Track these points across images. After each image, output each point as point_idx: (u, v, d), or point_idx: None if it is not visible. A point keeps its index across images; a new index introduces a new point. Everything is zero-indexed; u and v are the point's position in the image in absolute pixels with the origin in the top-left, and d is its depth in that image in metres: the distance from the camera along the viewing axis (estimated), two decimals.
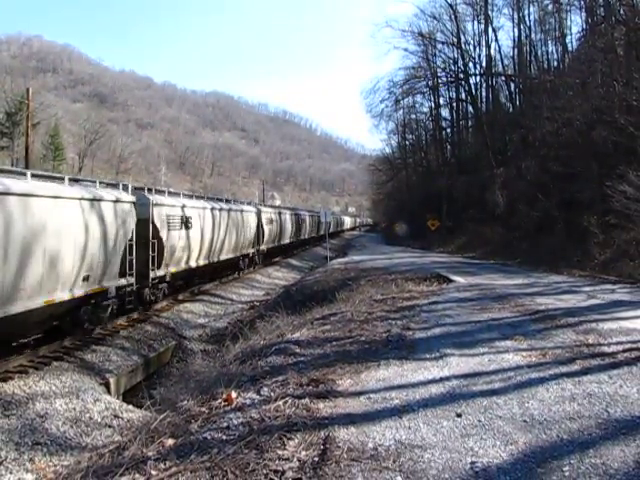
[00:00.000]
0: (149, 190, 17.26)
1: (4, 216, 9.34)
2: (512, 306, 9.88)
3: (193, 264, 19.44)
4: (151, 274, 15.92)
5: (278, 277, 29.19)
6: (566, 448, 3.84)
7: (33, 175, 10.94)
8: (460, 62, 43.87)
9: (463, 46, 42.48)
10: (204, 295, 20.65)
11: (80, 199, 11.95)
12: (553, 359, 6.16)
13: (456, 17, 41.56)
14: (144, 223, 15.37)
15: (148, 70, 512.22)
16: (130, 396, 11.26)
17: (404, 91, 48.11)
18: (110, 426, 8.79)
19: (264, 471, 3.63)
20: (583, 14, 31.95)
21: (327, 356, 6.79)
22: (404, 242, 42.48)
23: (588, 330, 7.56)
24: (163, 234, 16.49)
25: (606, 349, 6.54)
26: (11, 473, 6.88)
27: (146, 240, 15.60)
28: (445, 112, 51.64)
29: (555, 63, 36.65)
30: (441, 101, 50.31)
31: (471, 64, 43.77)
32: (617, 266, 16.77)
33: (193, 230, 18.83)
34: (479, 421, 4.41)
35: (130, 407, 9.90)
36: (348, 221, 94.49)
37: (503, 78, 41.19)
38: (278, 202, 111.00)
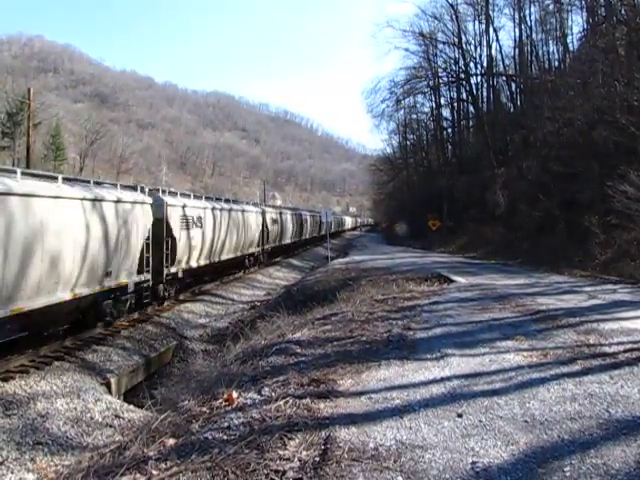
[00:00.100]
0: (163, 191, 18.08)
1: (59, 216, 10.92)
2: (513, 306, 9.87)
3: (203, 262, 20.26)
4: (165, 271, 16.75)
5: (279, 277, 29.19)
6: (567, 448, 3.83)
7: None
8: (461, 62, 43.98)
9: (464, 46, 42.59)
10: (205, 295, 20.65)
11: (116, 202, 13.45)
12: (554, 359, 6.16)
13: (457, 17, 41.62)
14: (159, 223, 16.14)
15: (149, 70, 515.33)
16: (131, 396, 11.25)
17: (405, 91, 48.18)
18: (111, 426, 8.80)
19: (265, 471, 3.63)
20: (584, 14, 32.02)
21: (328, 356, 6.78)
22: (405, 242, 42.48)
23: (589, 330, 7.55)
24: (176, 233, 17.28)
25: (607, 349, 6.53)
26: (12, 473, 6.88)
27: (160, 239, 16.34)
28: (446, 112, 51.76)
29: (556, 63, 36.71)
30: (442, 101, 50.41)
31: (472, 64, 43.87)
32: (618, 266, 16.76)
33: (203, 229, 19.72)
34: (480, 421, 4.41)
35: (131, 407, 9.89)
36: (349, 221, 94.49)
37: (504, 78, 41.20)
38: (279, 202, 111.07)
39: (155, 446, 4.38)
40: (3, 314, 9.35)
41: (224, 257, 22.79)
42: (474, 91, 43.58)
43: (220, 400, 5.37)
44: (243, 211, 26.04)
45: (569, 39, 34.92)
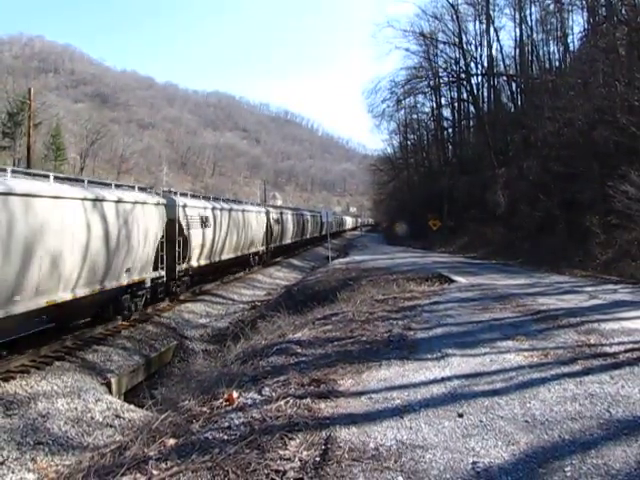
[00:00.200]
0: (174, 193, 19.16)
1: (100, 218, 12.32)
2: (514, 306, 9.86)
3: (212, 259, 21.44)
4: (177, 268, 17.86)
5: (279, 277, 29.19)
6: (568, 448, 3.83)
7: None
8: (462, 62, 43.98)
9: (465, 46, 42.58)
10: (205, 295, 20.66)
11: (138, 204, 14.63)
12: (555, 359, 6.15)
13: (458, 17, 41.63)
14: (171, 223, 17.20)
15: (150, 70, 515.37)
16: (131, 396, 11.26)
17: (405, 91, 48.19)
18: (111, 426, 8.80)
19: (265, 471, 3.63)
20: (585, 14, 32.00)
21: (328, 356, 6.78)
22: (405, 242, 42.46)
23: (590, 330, 7.54)
24: (187, 232, 18.36)
25: (608, 349, 6.53)
26: (13, 473, 6.89)
27: (173, 238, 17.38)
28: (447, 112, 51.79)
29: (557, 63, 36.71)
30: (443, 101, 50.45)
31: (473, 64, 43.86)
32: (619, 266, 16.76)
33: (212, 229, 20.85)
34: (481, 421, 4.41)
35: (131, 407, 9.90)
36: (349, 221, 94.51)
37: (505, 78, 41.19)
38: (279, 202, 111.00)
39: (155, 446, 4.38)
40: (39, 305, 10.29)
41: (231, 255, 23.93)
42: (475, 91, 43.60)
43: (220, 400, 5.37)
44: (249, 211, 27.27)
45: (570, 39, 35.00)
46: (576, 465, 3.55)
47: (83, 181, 13.23)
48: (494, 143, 36.68)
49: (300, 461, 3.76)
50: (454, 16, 41.78)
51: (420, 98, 52.14)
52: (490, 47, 41.03)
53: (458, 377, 5.59)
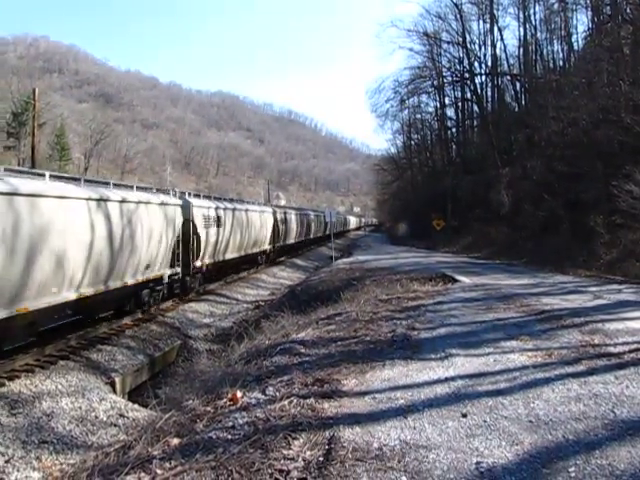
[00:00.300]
0: (188, 194, 20.59)
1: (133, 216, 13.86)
2: (518, 306, 9.85)
3: (222, 257, 22.49)
4: (192, 264, 18.86)
5: (283, 277, 29.21)
6: (572, 449, 3.82)
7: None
8: (465, 61, 43.81)
9: (468, 45, 42.48)
10: (209, 295, 20.69)
11: (160, 204, 15.95)
12: (559, 359, 6.14)
13: (461, 16, 41.59)
14: (186, 222, 18.32)
15: (153, 70, 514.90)
16: (135, 395, 11.27)
17: (409, 91, 48.19)
18: (116, 425, 8.82)
19: (269, 470, 3.64)
20: (589, 13, 31.94)
21: (332, 356, 6.78)
22: (409, 242, 42.45)
23: (594, 330, 7.52)
24: (201, 231, 19.41)
25: (612, 349, 6.51)
26: (18, 471, 6.92)
27: (188, 236, 18.47)
28: (450, 112, 51.62)
29: (561, 62, 36.58)
30: (446, 101, 50.33)
31: (476, 63, 43.76)
32: (623, 266, 16.71)
33: (223, 228, 22.00)
34: (484, 421, 4.40)
35: (135, 406, 9.92)
36: (353, 221, 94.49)
37: (508, 77, 41.13)
38: (283, 202, 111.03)
39: (159, 445, 4.39)
40: (74, 297, 11.34)
41: (241, 253, 25.10)
42: (478, 91, 43.49)
43: (224, 400, 5.38)
44: (258, 212, 28.46)
45: (574, 38, 34.88)
46: (580, 465, 3.54)
47: (107, 183, 14.32)
48: (498, 143, 36.62)
49: (304, 461, 3.77)
50: (458, 15, 41.77)
51: (424, 98, 52.20)
52: (494, 46, 41.02)
53: (462, 377, 5.59)
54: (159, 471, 3.84)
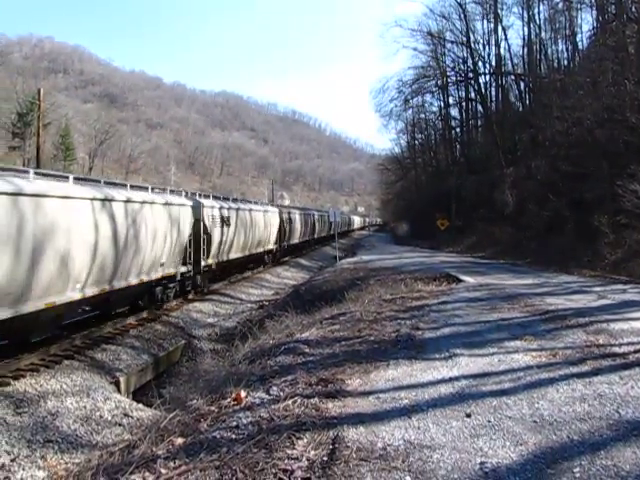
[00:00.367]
0: (199, 195, 21.57)
1: (147, 218, 14.62)
2: (522, 306, 9.82)
3: (232, 256, 23.22)
4: (202, 263, 19.50)
5: (287, 277, 29.22)
6: (576, 449, 3.81)
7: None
8: (469, 61, 43.83)
9: (472, 45, 42.42)
10: (213, 295, 20.71)
11: (174, 205, 16.67)
12: (563, 359, 6.12)
13: (465, 16, 41.53)
14: (197, 222, 18.86)
15: (158, 70, 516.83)
16: (140, 395, 11.30)
17: (413, 90, 48.13)
18: (120, 425, 8.85)
19: (273, 470, 3.64)
20: (594, 12, 31.79)
21: (336, 356, 6.78)
22: (413, 242, 42.40)
23: (599, 330, 7.50)
24: (210, 231, 20.02)
25: (617, 350, 6.49)
26: (23, 470, 6.95)
27: (198, 236, 19.02)
28: (454, 111, 51.59)
29: (565, 62, 36.50)
30: (450, 100, 50.25)
31: (480, 63, 43.67)
32: (628, 266, 16.66)
33: (231, 228, 22.61)
34: (488, 421, 4.39)
35: (140, 406, 9.94)
36: (357, 221, 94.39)
37: (513, 77, 41.00)
38: (287, 202, 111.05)
39: (164, 445, 4.40)
40: (93, 292, 12.01)
41: (248, 252, 25.74)
42: (482, 90, 43.43)
43: (228, 399, 5.38)
44: (265, 211, 28.99)
45: (578, 37, 34.77)
46: (585, 466, 3.53)
47: (125, 185, 15.30)
48: (502, 142, 36.52)
49: (308, 460, 3.77)
50: (462, 15, 41.73)
51: (428, 97, 52.16)
52: (498, 46, 40.91)
53: (466, 377, 5.58)
54: (163, 470, 3.85)
